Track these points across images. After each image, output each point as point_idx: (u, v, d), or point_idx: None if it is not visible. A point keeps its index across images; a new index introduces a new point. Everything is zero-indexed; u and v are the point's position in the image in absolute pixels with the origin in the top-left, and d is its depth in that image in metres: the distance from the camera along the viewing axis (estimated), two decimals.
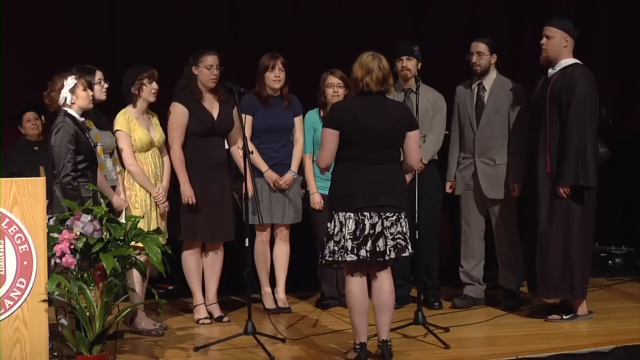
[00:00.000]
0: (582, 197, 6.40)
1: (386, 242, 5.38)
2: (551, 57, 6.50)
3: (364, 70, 5.41)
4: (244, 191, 6.37)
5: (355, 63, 5.46)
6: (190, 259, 6.66)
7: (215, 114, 6.58)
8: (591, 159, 6.33)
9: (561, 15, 6.59)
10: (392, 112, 5.46)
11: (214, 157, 6.57)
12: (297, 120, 6.93)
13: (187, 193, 6.46)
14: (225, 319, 6.63)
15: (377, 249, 5.37)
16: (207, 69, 6.54)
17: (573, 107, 6.33)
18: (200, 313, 6.63)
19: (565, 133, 6.35)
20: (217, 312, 6.70)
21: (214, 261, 6.70)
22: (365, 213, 5.37)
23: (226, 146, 6.74)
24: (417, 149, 5.54)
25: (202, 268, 6.71)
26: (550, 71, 6.52)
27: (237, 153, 6.62)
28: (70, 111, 5.72)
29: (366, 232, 5.36)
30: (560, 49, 6.48)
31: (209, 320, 6.59)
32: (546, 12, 8.93)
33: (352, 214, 5.37)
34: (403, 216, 5.46)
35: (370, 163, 5.38)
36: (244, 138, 6.06)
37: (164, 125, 6.54)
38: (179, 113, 6.51)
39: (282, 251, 7.02)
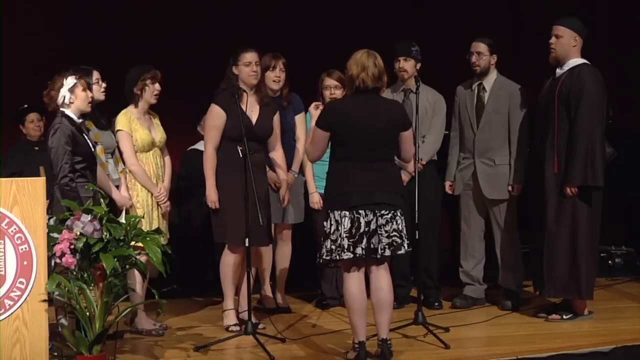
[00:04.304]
0: (590, 197, 6.39)
1: (379, 239, 5.39)
2: (560, 56, 6.47)
3: (360, 67, 5.42)
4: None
5: (349, 61, 5.47)
6: (229, 263, 6.39)
7: (254, 119, 6.38)
8: (599, 159, 6.32)
9: (570, 14, 6.53)
10: (386, 111, 5.47)
11: (251, 161, 6.14)
12: (298, 118, 6.92)
13: (212, 198, 6.28)
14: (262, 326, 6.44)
15: (372, 246, 5.39)
16: (246, 65, 6.36)
17: (582, 107, 6.31)
18: (230, 319, 6.42)
19: (574, 133, 6.34)
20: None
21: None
22: (360, 211, 5.38)
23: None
24: (411, 147, 5.59)
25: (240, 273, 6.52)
26: (559, 71, 6.49)
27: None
28: (67, 112, 5.71)
29: (362, 230, 5.37)
30: (569, 49, 6.45)
31: (238, 328, 6.28)
32: (546, 12, 8.96)
33: (347, 212, 5.38)
34: (399, 214, 5.46)
35: (365, 162, 5.39)
36: (244, 138, 6.04)
37: (165, 125, 6.52)
38: (215, 115, 6.32)
39: (283, 251, 7.01)
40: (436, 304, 6.99)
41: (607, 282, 7.77)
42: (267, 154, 6.57)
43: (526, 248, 6.98)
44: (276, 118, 6.53)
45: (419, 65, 6.90)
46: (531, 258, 6.78)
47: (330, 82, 6.86)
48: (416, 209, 6.21)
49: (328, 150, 5.59)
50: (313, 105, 5.92)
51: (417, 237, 6.19)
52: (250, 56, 6.39)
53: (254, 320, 6.03)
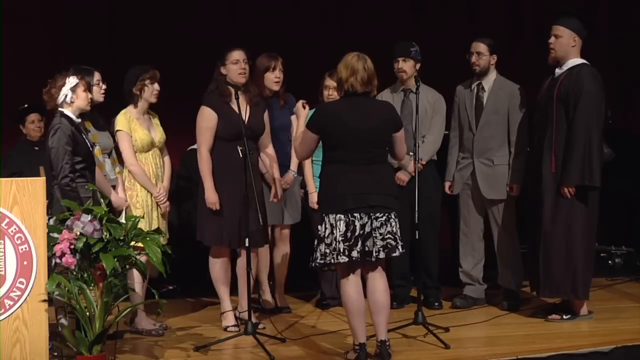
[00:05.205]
0: (586, 197, 6.38)
1: (374, 242, 5.38)
2: (559, 56, 6.46)
3: (349, 71, 5.42)
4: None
5: (340, 64, 5.47)
6: (217, 265, 6.45)
7: (246, 118, 6.31)
8: (596, 159, 6.31)
9: (570, 14, 6.52)
10: (377, 112, 5.47)
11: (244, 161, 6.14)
12: (294, 118, 6.89)
13: (212, 199, 6.23)
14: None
15: (366, 249, 5.37)
16: (233, 64, 6.33)
17: (580, 107, 6.31)
18: (229, 320, 6.41)
19: (572, 133, 6.33)
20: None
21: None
22: (355, 214, 5.36)
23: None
24: (403, 147, 5.58)
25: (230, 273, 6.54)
26: (558, 71, 6.49)
27: (264, 160, 6.54)
28: (67, 112, 5.72)
29: (357, 233, 5.36)
30: (568, 49, 6.45)
31: (236, 328, 6.31)
32: (546, 12, 8.96)
33: (342, 216, 5.37)
34: (393, 216, 5.45)
35: (359, 164, 5.37)
36: (244, 138, 6.03)
37: (165, 125, 6.52)
38: (207, 117, 6.28)
39: (282, 252, 7.01)
40: (436, 304, 6.99)
41: (607, 282, 7.78)
42: (259, 152, 6.55)
43: (525, 248, 6.98)
44: (266, 116, 6.52)
45: (418, 66, 6.89)
46: (527, 257, 6.79)
47: (330, 82, 6.85)
48: (416, 209, 6.21)
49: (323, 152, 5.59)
50: (300, 103, 5.80)
51: (417, 237, 6.20)
52: (237, 54, 6.36)
53: (253, 320, 6.01)
